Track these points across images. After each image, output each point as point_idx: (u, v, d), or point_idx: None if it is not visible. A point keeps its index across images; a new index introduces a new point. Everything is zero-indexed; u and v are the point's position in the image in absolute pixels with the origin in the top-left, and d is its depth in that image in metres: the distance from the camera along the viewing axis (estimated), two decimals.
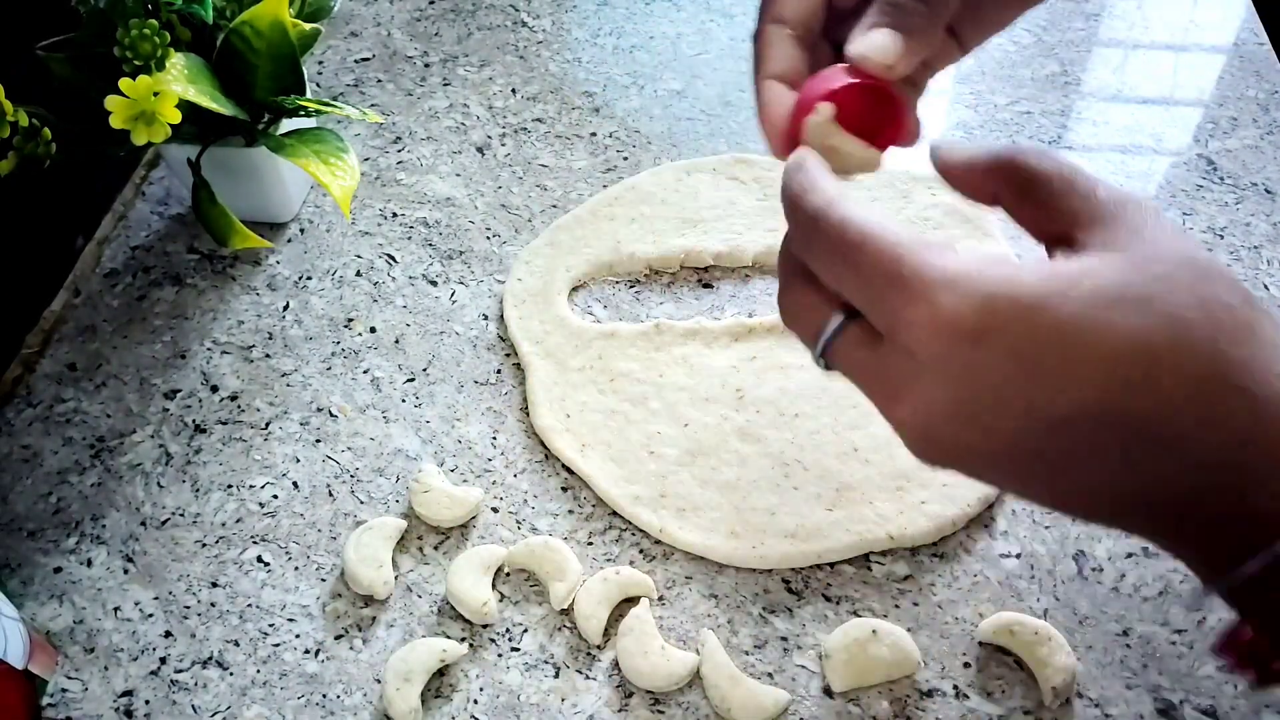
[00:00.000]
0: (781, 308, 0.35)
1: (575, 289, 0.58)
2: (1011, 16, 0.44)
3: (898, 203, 0.61)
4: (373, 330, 0.56)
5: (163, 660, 0.44)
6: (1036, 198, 0.33)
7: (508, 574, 0.47)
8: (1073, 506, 0.31)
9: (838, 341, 0.33)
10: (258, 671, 0.44)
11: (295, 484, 0.50)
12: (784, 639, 0.45)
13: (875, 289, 0.31)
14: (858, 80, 0.36)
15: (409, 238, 0.61)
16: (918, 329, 0.29)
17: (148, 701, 0.43)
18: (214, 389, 0.54)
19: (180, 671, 0.44)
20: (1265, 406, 0.28)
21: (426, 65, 0.71)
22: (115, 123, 0.47)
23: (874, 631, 0.43)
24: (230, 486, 0.50)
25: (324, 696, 0.43)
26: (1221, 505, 0.29)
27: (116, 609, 0.46)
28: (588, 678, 0.44)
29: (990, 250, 0.54)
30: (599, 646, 0.44)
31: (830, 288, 0.33)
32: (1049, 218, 0.32)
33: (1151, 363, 0.28)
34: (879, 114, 0.38)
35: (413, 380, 0.54)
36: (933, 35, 0.39)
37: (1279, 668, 0.29)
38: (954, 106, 0.68)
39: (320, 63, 0.71)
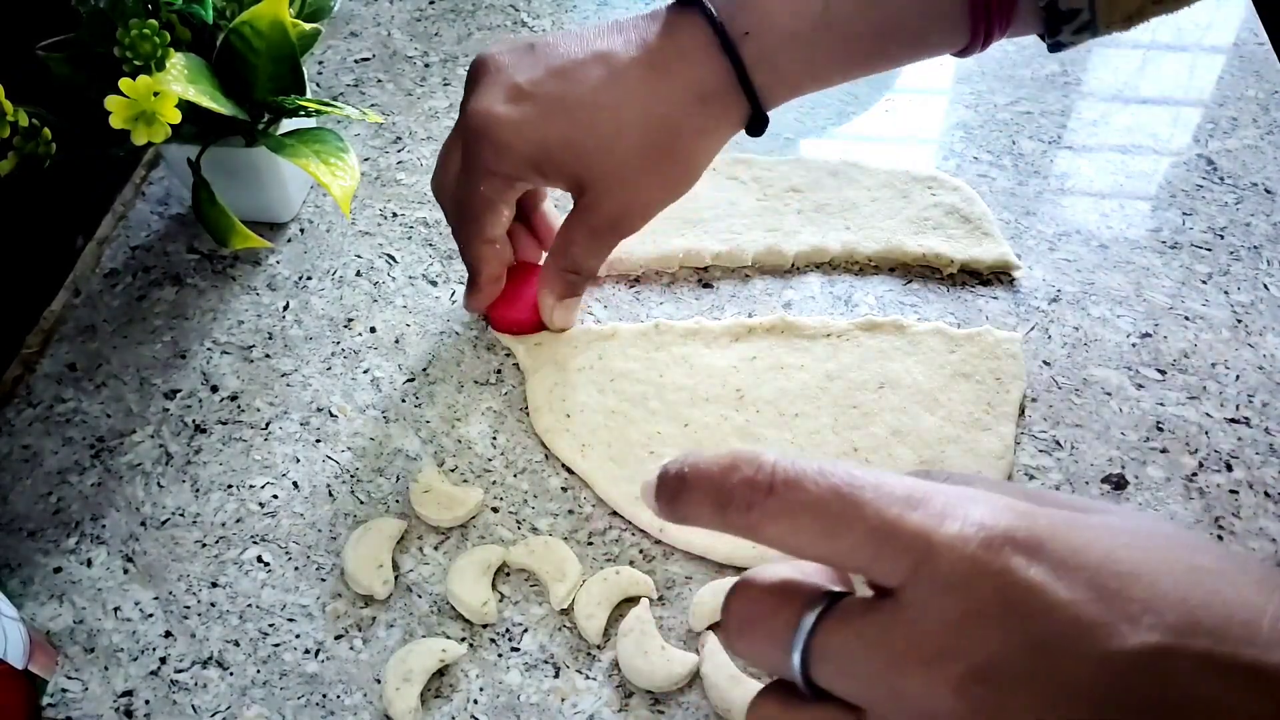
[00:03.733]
0: (732, 626, 0.30)
1: None
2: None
3: (897, 203, 0.61)
4: (373, 330, 0.56)
5: (163, 660, 0.44)
6: None
7: (508, 574, 0.47)
8: None
9: (825, 623, 0.27)
10: (258, 671, 0.44)
11: (295, 484, 0.50)
12: None
13: (884, 535, 0.26)
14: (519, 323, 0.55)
15: (409, 238, 0.61)
16: (951, 549, 0.25)
17: (148, 701, 0.43)
18: (214, 389, 0.54)
19: (180, 671, 0.44)
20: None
21: (426, 65, 0.71)
22: (115, 123, 0.47)
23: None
24: (230, 486, 0.50)
25: (324, 696, 0.43)
26: None
27: (116, 609, 0.46)
28: (588, 678, 0.44)
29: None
30: (599, 646, 0.44)
31: (813, 558, 0.28)
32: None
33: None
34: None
35: (413, 380, 0.54)
36: (589, 284, 0.54)
37: None
38: (954, 106, 0.68)
39: (320, 63, 0.71)
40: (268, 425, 0.52)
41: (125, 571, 0.47)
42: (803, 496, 0.27)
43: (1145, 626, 0.25)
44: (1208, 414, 0.52)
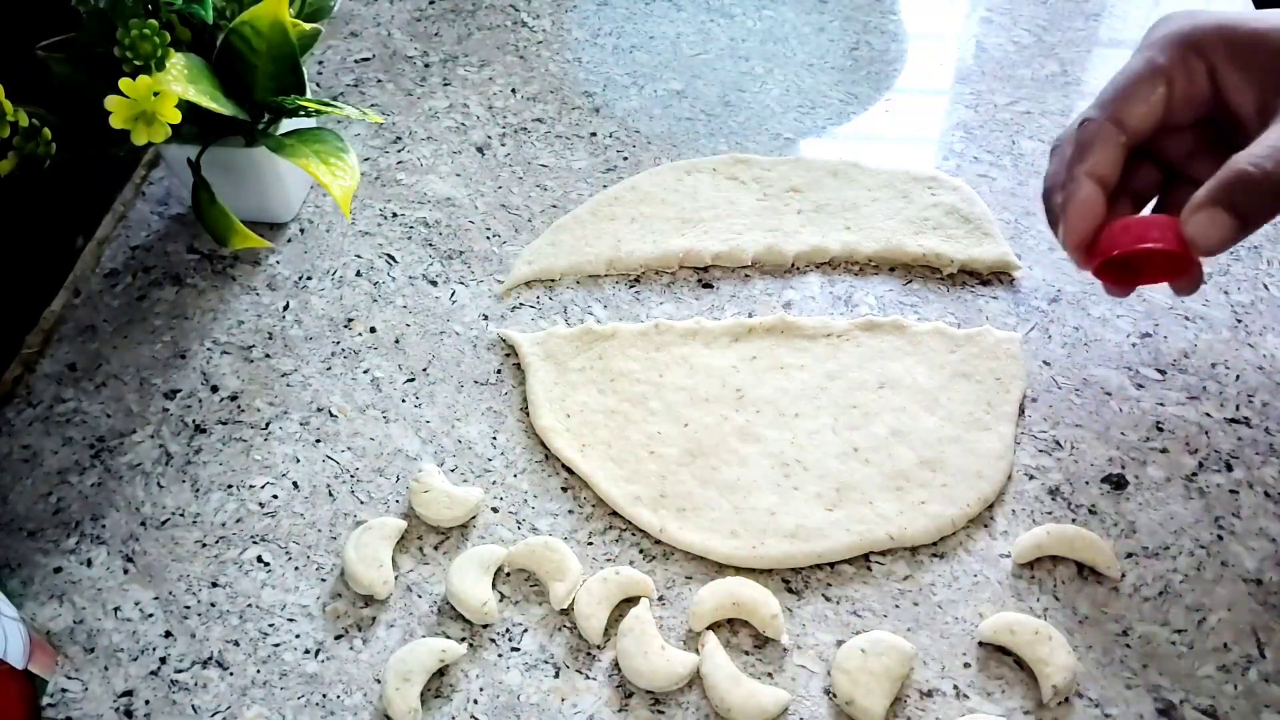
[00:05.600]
0: None
1: (573, 289, 0.58)
2: None
3: (897, 203, 0.61)
4: (373, 330, 0.56)
5: (163, 660, 0.44)
6: None
7: (508, 574, 0.47)
8: None
9: None
10: (258, 671, 0.44)
11: (295, 484, 0.50)
12: None
13: None
14: (1160, 247, 0.41)
15: (409, 238, 0.61)
16: None
17: (148, 701, 0.43)
18: (214, 389, 0.54)
19: (180, 671, 0.44)
20: None
21: (426, 65, 0.71)
22: (115, 123, 0.47)
23: (862, 651, 0.43)
24: (230, 486, 0.50)
25: (324, 696, 0.43)
26: None
27: (116, 609, 0.46)
28: (588, 678, 0.44)
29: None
30: (599, 646, 0.44)
31: None
32: None
33: None
34: (1169, 267, 0.44)
35: (413, 380, 0.54)
36: (1265, 222, 0.39)
37: None
38: (954, 106, 0.68)
39: (320, 63, 0.71)
40: (268, 425, 0.52)
41: (125, 571, 0.47)
42: None
43: None
44: (1208, 414, 0.52)
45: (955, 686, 0.43)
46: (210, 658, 0.44)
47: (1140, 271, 0.45)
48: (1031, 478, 0.49)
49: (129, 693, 0.43)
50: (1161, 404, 0.52)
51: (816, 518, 0.47)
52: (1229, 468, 0.50)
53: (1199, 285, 0.46)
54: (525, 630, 0.45)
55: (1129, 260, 0.44)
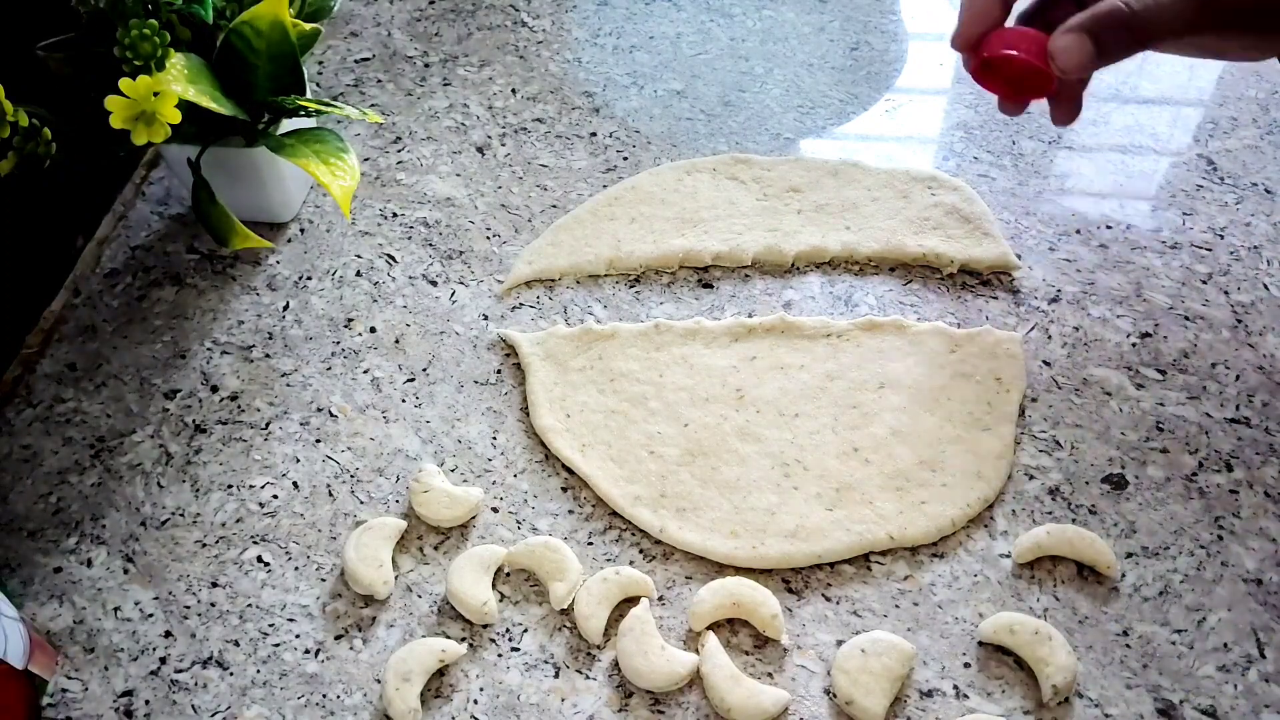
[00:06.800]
0: None
1: (573, 289, 0.58)
2: (1195, 55, 0.47)
3: (897, 203, 0.61)
4: (373, 330, 0.56)
5: (163, 660, 0.44)
6: None
7: (508, 574, 0.47)
8: None
9: None
10: (258, 671, 0.44)
11: (295, 484, 0.50)
12: None
13: None
14: (1027, 59, 0.45)
15: (409, 238, 0.61)
16: None
17: (148, 701, 0.43)
18: (214, 389, 0.54)
19: (180, 671, 0.44)
20: None
21: (426, 65, 0.71)
22: (115, 123, 0.47)
23: (862, 651, 0.43)
24: (230, 486, 0.50)
25: (324, 696, 0.43)
26: None
27: (116, 609, 0.46)
28: (588, 678, 0.44)
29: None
30: (599, 646, 0.44)
31: None
32: None
33: None
34: (1035, 82, 0.48)
35: (413, 380, 0.54)
36: (1122, 57, 0.43)
37: None
38: (954, 106, 0.68)
39: (320, 63, 0.71)
40: (268, 425, 0.52)
41: (125, 571, 0.47)
42: None
43: None
44: (1208, 414, 0.52)
45: (955, 686, 0.43)
46: (210, 658, 0.44)
47: (1019, 86, 0.49)
48: (1031, 478, 0.49)
49: (129, 693, 0.43)
50: (1161, 404, 0.52)
51: (816, 518, 0.47)
52: (1229, 468, 0.50)
53: (1076, 116, 0.49)
54: (525, 630, 0.45)
55: (1003, 69, 0.48)
